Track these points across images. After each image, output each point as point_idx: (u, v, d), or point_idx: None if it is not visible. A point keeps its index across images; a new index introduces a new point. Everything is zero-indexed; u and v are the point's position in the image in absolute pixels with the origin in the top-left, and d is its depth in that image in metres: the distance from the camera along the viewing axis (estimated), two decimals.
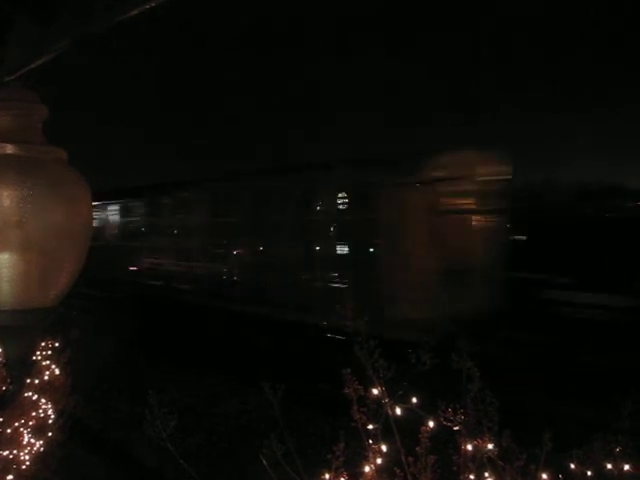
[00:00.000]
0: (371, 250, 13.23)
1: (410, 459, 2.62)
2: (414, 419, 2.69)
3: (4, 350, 1.93)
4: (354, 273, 13.02)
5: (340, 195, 14.01)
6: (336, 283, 13.54)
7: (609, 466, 2.47)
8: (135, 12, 1.66)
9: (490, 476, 2.55)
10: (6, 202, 1.73)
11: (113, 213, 21.04)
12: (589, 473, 2.48)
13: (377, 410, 2.67)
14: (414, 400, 2.68)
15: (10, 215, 1.73)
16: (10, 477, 3.95)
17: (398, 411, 2.69)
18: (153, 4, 1.63)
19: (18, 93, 1.90)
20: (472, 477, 2.57)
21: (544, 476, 2.51)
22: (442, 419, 2.57)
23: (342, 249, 13.92)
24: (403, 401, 2.69)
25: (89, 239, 1.94)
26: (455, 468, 2.61)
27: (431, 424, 2.64)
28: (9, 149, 1.80)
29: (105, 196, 19.97)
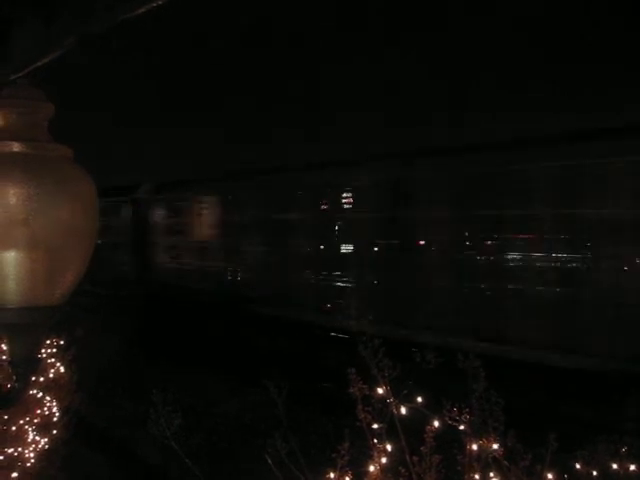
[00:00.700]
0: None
1: (415, 458, 2.61)
2: (419, 418, 2.68)
3: (10, 347, 1.93)
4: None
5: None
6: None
7: (615, 466, 2.47)
8: (135, 12, 1.66)
9: (495, 476, 2.54)
10: (12, 200, 1.73)
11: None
12: (594, 473, 2.47)
13: (382, 409, 2.67)
14: (419, 399, 2.67)
15: (16, 213, 1.73)
16: (15, 474, 3.97)
17: (403, 410, 2.68)
18: (154, 4, 1.63)
19: (24, 91, 1.90)
20: (477, 477, 2.56)
21: (549, 476, 2.50)
22: (447, 418, 2.57)
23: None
24: (408, 400, 2.69)
25: (95, 237, 1.94)
26: (460, 468, 2.60)
27: (436, 423, 2.63)
28: (15, 147, 1.80)
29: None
